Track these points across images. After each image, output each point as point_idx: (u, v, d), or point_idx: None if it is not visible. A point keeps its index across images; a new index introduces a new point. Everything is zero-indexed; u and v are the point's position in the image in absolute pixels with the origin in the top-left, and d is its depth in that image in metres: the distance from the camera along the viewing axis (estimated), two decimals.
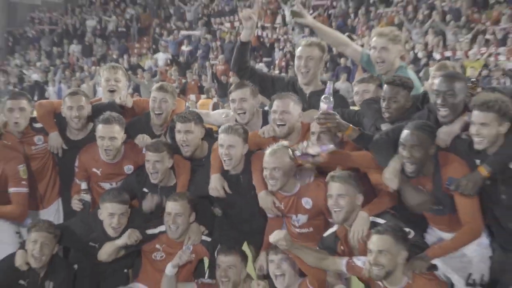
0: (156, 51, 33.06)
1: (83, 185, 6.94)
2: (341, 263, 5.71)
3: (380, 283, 5.50)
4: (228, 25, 33.18)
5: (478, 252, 5.70)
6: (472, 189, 5.39)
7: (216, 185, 6.44)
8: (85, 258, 6.74)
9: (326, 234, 6.14)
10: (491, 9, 26.74)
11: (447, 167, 5.55)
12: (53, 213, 7.35)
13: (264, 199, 6.28)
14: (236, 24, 32.59)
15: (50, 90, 30.86)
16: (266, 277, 6.44)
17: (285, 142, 6.19)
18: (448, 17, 26.67)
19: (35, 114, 7.25)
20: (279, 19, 31.48)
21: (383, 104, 6.09)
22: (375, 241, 5.34)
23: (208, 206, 6.73)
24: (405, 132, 5.53)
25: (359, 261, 5.61)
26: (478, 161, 5.48)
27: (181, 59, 31.62)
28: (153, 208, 6.75)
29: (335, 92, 6.70)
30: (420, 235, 5.81)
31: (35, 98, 26.59)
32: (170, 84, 7.50)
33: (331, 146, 5.82)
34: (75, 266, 6.81)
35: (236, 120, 6.85)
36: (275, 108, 6.41)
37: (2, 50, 37.94)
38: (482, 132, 5.33)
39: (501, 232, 5.65)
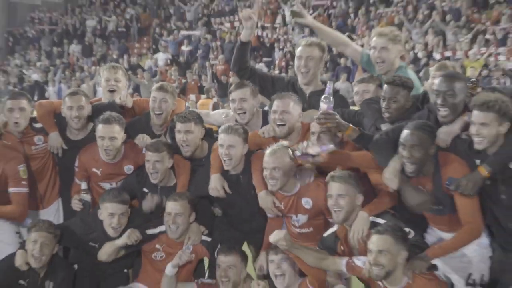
0: (156, 51, 33.08)
1: (83, 185, 6.92)
2: (341, 263, 5.71)
3: (380, 283, 5.50)
4: (228, 25, 33.20)
5: (478, 252, 5.70)
6: (472, 189, 5.39)
7: (216, 185, 6.44)
8: (85, 258, 6.75)
9: (326, 234, 6.14)
10: (491, 9, 26.77)
11: (447, 167, 5.54)
12: (53, 213, 7.34)
13: (264, 199, 6.29)
14: (236, 24, 32.61)
15: (50, 90, 30.87)
16: (266, 277, 6.44)
17: (285, 142, 6.19)
18: (448, 17, 26.70)
19: (35, 114, 7.24)
20: (279, 19, 31.51)
21: (383, 104, 6.08)
22: (375, 241, 5.34)
23: (208, 206, 6.74)
24: (405, 132, 5.53)
25: (359, 261, 5.61)
26: (478, 161, 5.48)
27: (181, 59, 31.64)
28: (153, 208, 6.75)
29: (335, 92, 6.68)
30: (420, 235, 5.80)
31: (35, 98, 26.60)
32: (170, 84, 7.50)
33: (331, 146, 5.81)
34: (75, 266, 6.82)
35: (236, 120, 6.84)
36: (275, 108, 6.41)
37: (2, 50, 37.97)
38: (482, 132, 5.33)
39: (501, 232, 5.65)
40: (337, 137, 6.09)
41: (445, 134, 5.63)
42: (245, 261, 6.48)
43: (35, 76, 32.80)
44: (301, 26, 25.72)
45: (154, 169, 6.60)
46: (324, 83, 6.58)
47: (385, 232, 5.33)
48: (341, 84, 24.21)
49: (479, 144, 5.38)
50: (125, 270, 6.98)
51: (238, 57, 7.15)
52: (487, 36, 24.93)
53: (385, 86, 6.13)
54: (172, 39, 32.94)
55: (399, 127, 5.66)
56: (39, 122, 7.18)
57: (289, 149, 6.02)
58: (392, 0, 29.98)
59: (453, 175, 5.48)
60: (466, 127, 5.60)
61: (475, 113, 5.37)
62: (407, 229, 5.52)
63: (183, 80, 28.15)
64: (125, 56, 32.55)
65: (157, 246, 6.65)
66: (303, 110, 6.54)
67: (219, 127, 6.89)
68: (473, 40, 25.02)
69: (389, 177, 5.62)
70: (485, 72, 21.86)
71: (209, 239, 6.65)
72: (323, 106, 5.78)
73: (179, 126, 6.67)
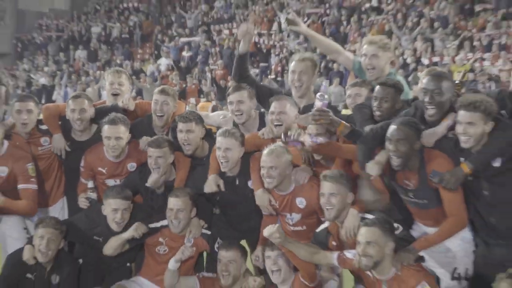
0: (158, 56, 33.06)
1: (90, 184, 6.94)
2: (333, 257, 5.74)
3: (369, 273, 5.53)
4: (226, 32, 33.19)
5: (462, 247, 5.71)
6: (454, 184, 5.43)
7: (211, 183, 6.47)
8: (89, 253, 6.77)
9: (318, 230, 6.16)
10: (477, 17, 26.81)
11: (432, 162, 5.58)
12: (58, 210, 7.36)
13: (260, 197, 6.32)
14: (234, 31, 32.54)
15: (57, 93, 30.83)
16: (262, 272, 6.48)
17: (281, 143, 6.23)
18: (436, 24, 26.71)
19: (42, 116, 7.25)
20: (275, 26, 31.51)
21: (375, 104, 6.10)
22: (363, 233, 5.37)
23: (206, 202, 6.74)
24: (391, 127, 5.58)
25: (349, 253, 5.64)
26: (462, 159, 5.51)
27: (182, 64, 31.63)
28: (158, 185, 6.74)
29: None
30: (407, 231, 5.83)
31: (43, 101, 26.60)
32: (171, 88, 7.52)
33: (321, 139, 5.85)
34: (80, 261, 6.81)
35: (233, 121, 6.89)
36: (272, 109, 6.45)
37: (11, 55, 37.94)
38: (468, 131, 5.37)
39: (483, 227, 5.67)
40: (331, 133, 6.09)
41: (429, 136, 5.64)
42: (245, 256, 6.50)
43: (42, 80, 32.78)
44: (296, 33, 25.71)
45: (156, 164, 6.61)
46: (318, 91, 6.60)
47: (373, 225, 5.36)
48: (334, 88, 24.26)
49: (466, 142, 5.41)
50: (128, 264, 6.98)
51: (238, 68, 7.20)
52: (473, 43, 24.98)
53: (377, 87, 6.15)
54: (174, 45, 32.93)
55: (387, 123, 5.69)
56: (45, 124, 7.19)
57: (283, 134, 6.09)
58: (382, 8, 29.99)
59: (437, 169, 5.51)
60: (451, 127, 5.62)
61: (462, 113, 5.40)
62: (395, 225, 5.55)
63: (184, 85, 28.14)
64: (129, 61, 32.54)
65: (160, 239, 6.66)
66: None
67: (217, 127, 6.94)
68: (460, 46, 25.05)
69: (371, 165, 5.69)
70: (471, 77, 21.88)
71: (209, 232, 6.66)
72: (317, 103, 5.82)
73: (180, 125, 6.67)
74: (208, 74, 29.55)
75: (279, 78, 26.95)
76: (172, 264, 6.44)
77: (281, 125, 6.38)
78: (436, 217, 5.68)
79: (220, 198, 6.61)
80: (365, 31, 27.72)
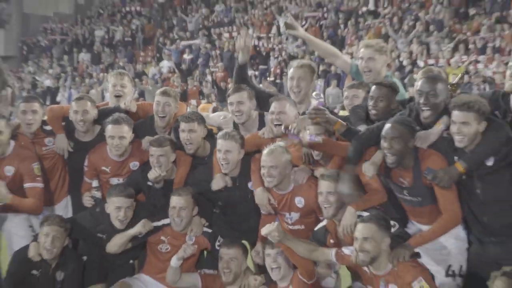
0: (160, 59, 33.05)
1: (94, 183, 6.96)
2: (331, 253, 5.75)
3: (366, 269, 5.54)
4: (226, 35, 33.21)
5: (456, 245, 5.75)
6: (447, 181, 5.46)
7: (218, 180, 6.49)
8: (93, 250, 6.77)
9: (316, 228, 6.18)
10: (471, 20, 26.79)
11: (426, 160, 5.61)
12: (62, 209, 7.36)
13: (260, 196, 6.35)
14: (234, 34, 32.64)
15: (61, 95, 30.82)
16: (262, 270, 6.49)
17: (281, 143, 6.27)
18: (431, 27, 26.73)
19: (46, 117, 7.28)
20: (274, 30, 31.51)
21: (370, 103, 6.15)
22: (360, 229, 5.38)
23: (206, 201, 6.74)
24: (386, 126, 5.62)
25: (347, 250, 5.65)
26: (456, 158, 5.55)
27: (183, 66, 31.62)
28: (158, 180, 6.73)
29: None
30: (403, 228, 5.85)
31: (47, 103, 26.60)
32: (173, 89, 7.53)
33: (319, 138, 5.85)
34: (84, 258, 6.82)
35: (234, 122, 6.94)
36: (272, 109, 6.49)
37: (17, 58, 37.91)
38: (463, 130, 5.41)
39: (476, 225, 5.70)
40: (329, 134, 6.11)
41: (423, 140, 5.67)
42: (246, 254, 6.51)
43: (47, 82, 32.76)
44: (295, 36, 25.72)
45: (158, 163, 6.62)
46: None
47: (369, 221, 5.37)
48: (332, 90, 24.28)
49: (460, 142, 5.45)
50: (131, 261, 6.98)
51: (238, 78, 7.26)
52: (468, 45, 25.01)
53: (373, 87, 6.21)
54: (175, 48, 32.89)
55: (383, 123, 5.72)
56: (49, 124, 7.21)
57: (284, 128, 6.12)
58: (379, 12, 30.01)
59: (431, 167, 5.54)
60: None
61: (456, 113, 5.44)
62: (392, 222, 5.57)
63: (185, 87, 28.14)
64: (131, 64, 32.53)
65: (162, 238, 6.66)
66: None
67: (218, 128, 7.02)
68: (454, 49, 25.07)
69: (367, 166, 5.75)
70: (466, 79, 21.88)
71: (210, 231, 6.67)
72: (314, 102, 5.96)
73: (183, 125, 6.69)
74: (209, 76, 29.55)
75: (278, 81, 26.96)
76: (174, 262, 6.45)
77: (280, 124, 6.40)
78: (430, 215, 5.71)
79: (220, 198, 6.64)
80: (362, 34, 27.74)
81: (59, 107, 7.93)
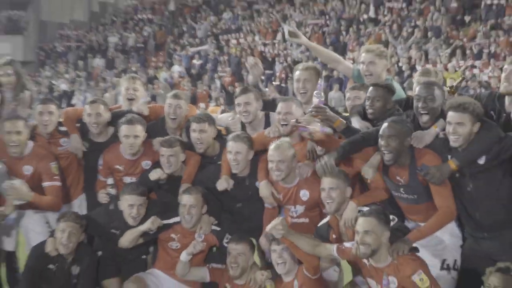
0: (171, 64, 33.06)
1: (109, 181, 6.97)
2: (332, 248, 5.76)
3: (366, 262, 5.55)
4: (234, 41, 33.21)
5: (450, 241, 5.78)
6: (438, 178, 5.50)
7: (223, 181, 6.52)
8: (107, 246, 6.78)
9: (320, 224, 6.19)
10: (468, 27, 26.86)
11: (421, 159, 5.65)
12: (77, 207, 7.36)
13: (264, 188, 6.40)
14: (241, 40, 32.71)
15: (77, 98, 30.86)
16: (268, 266, 6.52)
17: (286, 138, 6.32)
18: (429, 34, 26.74)
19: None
20: (279, 36, 31.48)
21: (367, 103, 6.20)
22: (361, 223, 5.39)
23: (216, 200, 6.73)
24: (383, 125, 5.67)
25: (348, 244, 5.67)
26: (449, 157, 5.59)
27: (192, 71, 31.66)
28: (161, 178, 6.74)
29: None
30: (402, 222, 5.89)
31: (63, 105, 26.61)
32: (184, 92, 7.57)
33: (329, 129, 5.90)
34: (99, 253, 6.83)
35: (241, 122, 6.97)
36: (279, 109, 6.52)
37: (35, 63, 37.95)
38: (458, 130, 5.45)
39: (470, 221, 5.72)
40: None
41: (419, 140, 5.71)
42: (253, 250, 6.51)
43: (63, 86, 32.79)
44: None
45: (169, 162, 6.65)
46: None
47: (369, 215, 5.39)
48: (334, 94, 24.30)
49: (455, 142, 5.50)
50: (144, 257, 6.98)
51: None
52: (465, 51, 25.01)
53: (370, 87, 6.26)
54: (185, 54, 32.91)
55: (377, 129, 5.77)
56: (64, 126, 7.22)
57: (296, 124, 6.08)
58: (379, 19, 30.01)
59: (426, 164, 5.58)
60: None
61: (451, 114, 5.48)
62: (391, 216, 5.59)
63: (194, 91, 28.16)
64: (144, 68, 32.57)
65: (172, 235, 6.67)
66: None
67: (226, 129, 7.06)
68: (452, 54, 25.10)
69: (366, 169, 5.83)
70: (462, 83, 21.87)
71: (218, 229, 6.66)
72: (315, 100, 5.98)
73: (194, 125, 6.72)
74: (217, 81, 29.63)
75: (283, 85, 26.96)
76: (184, 256, 6.47)
77: (287, 124, 6.43)
78: (426, 212, 5.73)
79: (230, 196, 6.64)
80: (363, 41, 27.73)
81: (74, 109, 8.00)
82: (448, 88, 6.18)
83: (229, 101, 24.04)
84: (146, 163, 6.96)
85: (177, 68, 31.77)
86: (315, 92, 5.99)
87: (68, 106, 25.30)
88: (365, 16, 30.54)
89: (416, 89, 6.03)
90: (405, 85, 20.62)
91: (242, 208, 6.75)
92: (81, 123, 7.21)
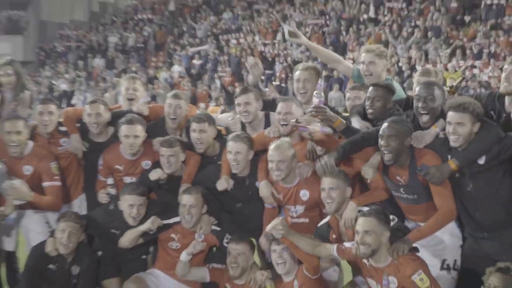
0: (171, 64, 33.08)
1: (109, 181, 6.97)
2: (332, 248, 5.77)
3: (366, 262, 5.55)
4: (234, 41, 33.22)
5: (450, 241, 5.78)
6: (438, 178, 5.51)
7: (222, 182, 6.53)
8: (107, 246, 6.77)
9: (320, 224, 6.19)
10: (467, 27, 26.89)
11: (421, 159, 5.65)
12: (77, 206, 7.35)
13: (264, 188, 6.40)
14: (241, 40, 32.71)
15: (77, 98, 30.85)
16: (268, 266, 6.52)
17: (286, 138, 6.32)
18: (429, 34, 26.75)
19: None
20: (279, 36, 31.50)
21: (367, 103, 6.21)
22: (361, 223, 5.40)
23: (216, 200, 6.74)
24: (383, 125, 5.67)
25: (348, 244, 5.67)
26: (449, 157, 5.60)
27: (192, 71, 31.67)
28: (161, 178, 6.74)
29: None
30: (402, 222, 5.90)
31: (63, 105, 26.60)
32: (184, 92, 7.57)
33: (329, 129, 5.88)
34: (99, 253, 6.83)
35: (241, 122, 6.97)
36: (279, 109, 6.52)
37: (35, 63, 37.94)
38: (458, 130, 5.46)
39: (470, 221, 5.73)
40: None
41: (419, 140, 5.72)
42: (253, 250, 6.52)
43: (63, 86, 32.77)
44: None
45: (169, 162, 6.65)
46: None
47: (369, 215, 5.39)
48: (334, 94, 24.31)
49: (455, 141, 5.50)
50: (144, 257, 6.98)
51: None
52: (465, 51, 25.03)
53: (370, 88, 6.27)
54: (185, 54, 32.92)
55: (377, 129, 5.77)
56: (64, 126, 7.22)
57: (296, 123, 6.06)
58: (379, 19, 30.05)
59: (426, 163, 5.58)
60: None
61: (451, 114, 5.49)
62: (391, 216, 5.59)
63: (195, 91, 28.16)
64: (144, 68, 32.57)
65: (172, 235, 6.67)
66: None
67: (226, 128, 7.06)
68: (452, 54, 25.13)
69: (366, 169, 5.85)
70: (463, 83, 21.90)
71: (218, 229, 6.66)
72: (315, 100, 5.95)
73: (194, 125, 6.73)
74: (217, 81, 29.63)
75: (283, 85, 26.97)
76: (184, 256, 6.47)
77: (287, 124, 6.43)
78: (426, 212, 5.73)
79: (230, 196, 6.64)
80: (363, 41, 27.76)
81: (74, 109, 7.99)
82: (448, 88, 6.19)
83: (229, 101, 24.05)
84: (146, 163, 6.96)
85: (177, 68, 31.79)
86: (315, 92, 5.99)
87: (68, 106, 25.32)
88: (365, 16, 30.58)
89: (416, 89, 6.03)
90: (405, 85, 20.60)
91: (242, 208, 6.75)
92: (81, 123, 7.21)
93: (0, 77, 7.43)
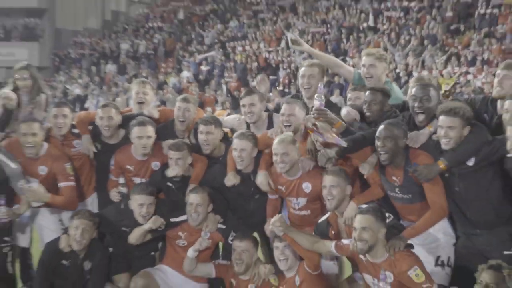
0: (180, 70, 33.11)
1: (121, 180, 6.98)
2: (331, 245, 5.78)
3: (363, 257, 5.54)
4: (240, 48, 33.23)
5: (444, 239, 5.78)
6: (425, 176, 5.53)
7: (230, 177, 6.52)
8: (118, 242, 6.78)
9: (319, 220, 6.19)
10: (462, 35, 26.88)
11: (415, 160, 5.66)
12: (88, 205, 7.35)
13: (261, 176, 6.41)
14: (247, 47, 32.73)
15: (90, 102, 30.89)
16: (271, 261, 6.52)
17: (290, 132, 6.32)
18: (426, 42, 26.75)
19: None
20: (283, 44, 31.51)
21: (365, 106, 6.24)
22: (358, 220, 5.39)
23: (222, 199, 6.74)
24: (380, 127, 5.69)
25: (346, 241, 5.69)
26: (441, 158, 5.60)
27: (200, 77, 31.69)
28: (177, 175, 6.72)
29: (333, 104, 6.94)
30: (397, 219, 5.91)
31: (77, 109, 26.62)
32: (192, 96, 7.58)
33: (345, 143, 5.76)
34: (110, 249, 6.83)
35: (246, 122, 7.01)
36: (283, 111, 6.51)
37: (50, 69, 38.03)
38: (449, 134, 5.48)
39: (461, 219, 5.74)
40: None
41: (415, 140, 5.73)
42: (257, 246, 6.51)
43: (77, 90, 32.81)
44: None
45: (177, 165, 6.64)
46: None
47: (367, 212, 5.38)
48: (335, 99, 24.14)
49: (446, 144, 5.52)
50: (153, 253, 6.98)
51: None
52: (460, 58, 25.02)
53: (367, 92, 6.29)
54: (193, 60, 32.96)
55: (374, 131, 5.77)
56: (77, 128, 7.23)
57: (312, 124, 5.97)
58: (378, 28, 30.09)
59: (418, 163, 5.61)
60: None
61: (443, 118, 5.52)
62: (387, 214, 5.58)
63: (202, 95, 28.18)
64: (154, 73, 32.61)
65: (180, 233, 6.67)
66: None
67: (232, 130, 7.09)
68: (447, 61, 25.09)
69: (364, 166, 5.91)
70: (457, 89, 21.89)
71: (224, 227, 6.66)
72: (316, 103, 5.91)
73: (201, 127, 6.73)
74: (224, 86, 29.62)
75: (286, 90, 26.98)
76: (191, 253, 6.47)
77: (290, 125, 6.43)
78: (420, 212, 5.73)
79: (235, 192, 6.64)
80: (362, 48, 27.68)
81: (87, 113, 8.00)
82: (444, 92, 6.21)
83: (235, 105, 24.06)
84: (155, 164, 6.96)
85: (185, 74, 31.82)
86: (316, 95, 5.96)
87: (81, 109, 25.39)
88: (364, 25, 30.61)
89: (413, 89, 6.03)
90: (402, 90, 20.63)
91: (246, 204, 6.75)
92: (93, 126, 7.22)
93: (17, 81, 7.46)
